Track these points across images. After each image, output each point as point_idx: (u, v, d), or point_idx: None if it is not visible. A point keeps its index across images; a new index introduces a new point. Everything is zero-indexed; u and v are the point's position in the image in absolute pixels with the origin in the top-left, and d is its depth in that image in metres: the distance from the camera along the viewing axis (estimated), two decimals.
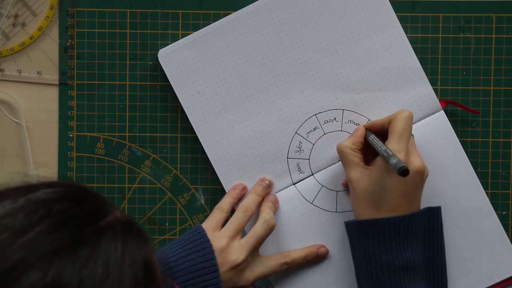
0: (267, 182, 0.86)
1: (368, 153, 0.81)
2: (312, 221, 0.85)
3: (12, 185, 0.54)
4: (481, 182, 0.85)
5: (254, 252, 0.82)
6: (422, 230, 0.79)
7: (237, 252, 0.80)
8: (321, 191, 0.85)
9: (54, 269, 0.48)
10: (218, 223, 0.82)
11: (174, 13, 0.87)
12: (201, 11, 0.86)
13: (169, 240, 0.86)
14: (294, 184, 0.86)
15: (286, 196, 0.86)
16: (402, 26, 0.85)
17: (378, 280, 0.77)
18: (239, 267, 0.80)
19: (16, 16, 0.87)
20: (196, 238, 0.80)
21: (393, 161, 0.73)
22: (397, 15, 0.85)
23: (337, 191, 0.85)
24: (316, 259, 0.85)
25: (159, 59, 0.85)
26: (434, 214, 0.81)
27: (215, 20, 0.86)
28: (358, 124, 0.85)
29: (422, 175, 0.78)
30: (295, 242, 0.85)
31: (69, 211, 0.52)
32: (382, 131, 0.81)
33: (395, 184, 0.76)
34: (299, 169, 0.86)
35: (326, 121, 0.86)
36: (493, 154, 0.86)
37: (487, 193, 0.86)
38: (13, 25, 0.87)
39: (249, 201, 0.84)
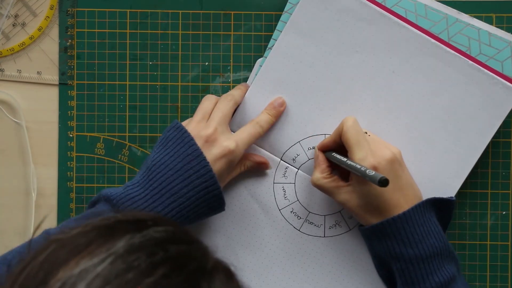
0: (279, 101, 0.84)
1: (340, 167, 0.80)
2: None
3: (119, 217, 0.55)
4: (481, 182, 0.86)
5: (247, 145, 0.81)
6: (434, 214, 0.79)
7: (228, 140, 0.79)
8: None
9: None
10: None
11: (174, 13, 0.87)
12: (201, 11, 0.86)
13: None
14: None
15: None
16: None
17: (410, 275, 0.77)
18: (229, 155, 0.78)
19: (16, 16, 0.87)
20: (176, 133, 0.79)
21: (370, 174, 0.72)
22: None
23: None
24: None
25: None
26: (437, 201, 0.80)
27: (215, 20, 0.86)
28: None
29: (397, 161, 0.77)
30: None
31: (183, 255, 0.53)
32: (337, 146, 0.80)
33: (380, 187, 0.74)
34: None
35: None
36: (493, 154, 0.86)
37: (487, 193, 0.86)
38: (13, 25, 0.87)
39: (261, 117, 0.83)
